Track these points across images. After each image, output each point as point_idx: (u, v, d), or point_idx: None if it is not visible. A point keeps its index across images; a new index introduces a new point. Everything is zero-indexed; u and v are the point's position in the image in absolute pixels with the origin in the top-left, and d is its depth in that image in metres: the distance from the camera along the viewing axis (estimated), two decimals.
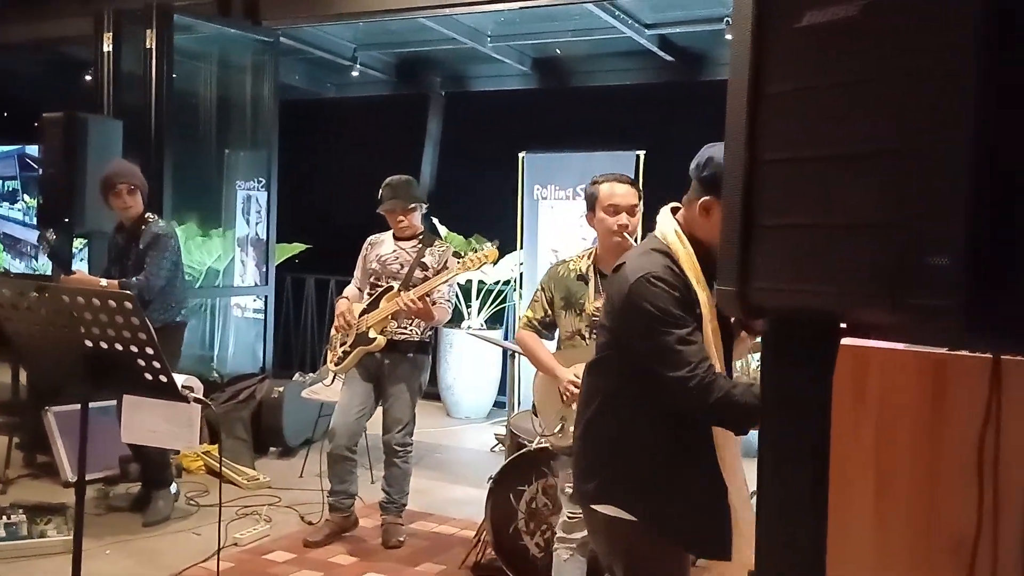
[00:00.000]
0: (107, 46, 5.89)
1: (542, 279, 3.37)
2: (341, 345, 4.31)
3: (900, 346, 1.72)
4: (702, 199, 2.06)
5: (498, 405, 7.62)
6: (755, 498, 1.46)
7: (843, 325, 1.28)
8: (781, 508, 1.42)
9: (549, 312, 3.27)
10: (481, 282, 7.28)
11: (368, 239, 4.50)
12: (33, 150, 7.80)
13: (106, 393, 3.10)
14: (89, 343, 2.36)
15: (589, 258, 3.25)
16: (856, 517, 1.48)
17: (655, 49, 7.03)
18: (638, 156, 6.49)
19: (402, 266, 4.30)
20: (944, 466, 1.66)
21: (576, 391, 3.04)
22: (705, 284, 2.05)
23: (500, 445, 6.44)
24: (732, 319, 2.11)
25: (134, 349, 2.33)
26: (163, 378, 2.36)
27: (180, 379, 2.44)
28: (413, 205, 4.33)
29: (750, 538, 2.16)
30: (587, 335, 3.17)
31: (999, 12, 0.91)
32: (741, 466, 2.15)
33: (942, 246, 0.99)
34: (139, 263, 4.37)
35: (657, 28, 6.79)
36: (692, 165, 2.13)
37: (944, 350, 1.69)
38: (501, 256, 5.48)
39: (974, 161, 0.93)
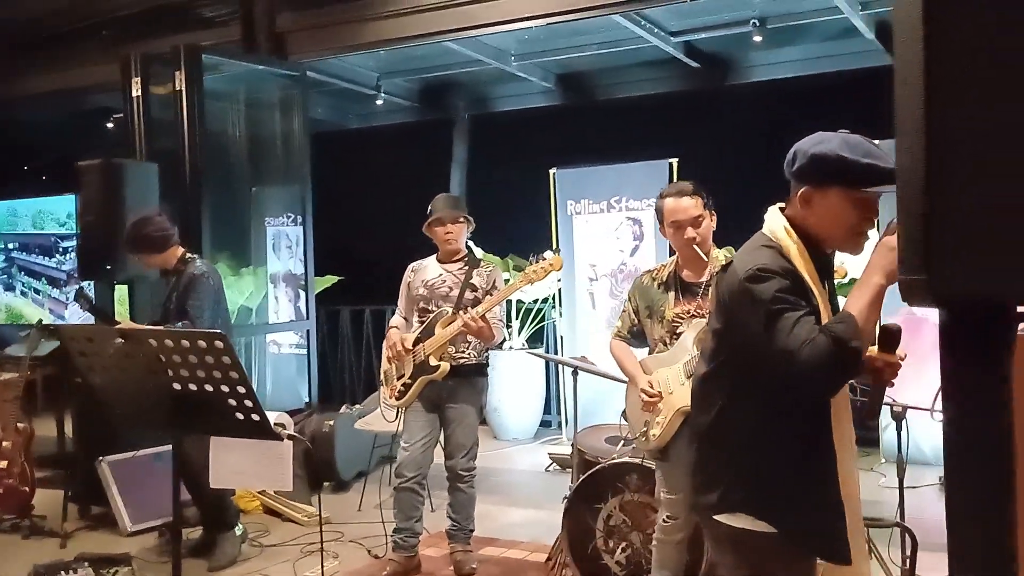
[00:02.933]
0: (136, 91, 5.89)
1: (629, 290, 3.47)
2: (399, 378, 4.21)
3: None
4: (801, 191, 2.03)
5: (544, 425, 7.54)
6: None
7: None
8: (968, 509, 1.35)
9: (636, 321, 3.37)
10: (520, 301, 7.22)
11: (410, 266, 4.42)
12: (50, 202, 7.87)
13: (192, 434, 3.02)
14: (177, 385, 2.30)
15: (670, 266, 3.34)
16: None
17: (681, 56, 7.01)
18: (671, 164, 6.46)
19: (451, 288, 4.22)
20: None
21: (648, 398, 3.16)
22: (818, 279, 2.01)
23: (555, 464, 6.34)
24: None
25: (224, 389, 2.27)
26: (255, 416, 2.30)
27: (272, 416, 2.37)
28: (462, 217, 4.28)
29: (861, 547, 2.10)
30: (668, 341, 3.24)
31: None
32: (857, 474, 2.09)
33: None
34: (180, 307, 4.28)
35: (683, 35, 6.78)
36: (786, 165, 2.10)
37: None
38: None
39: None
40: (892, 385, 2.04)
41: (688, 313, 3.22)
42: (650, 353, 3.37)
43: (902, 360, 2.05)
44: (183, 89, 5.73)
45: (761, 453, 2.01)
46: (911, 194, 1.22)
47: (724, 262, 3.01)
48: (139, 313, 5.56)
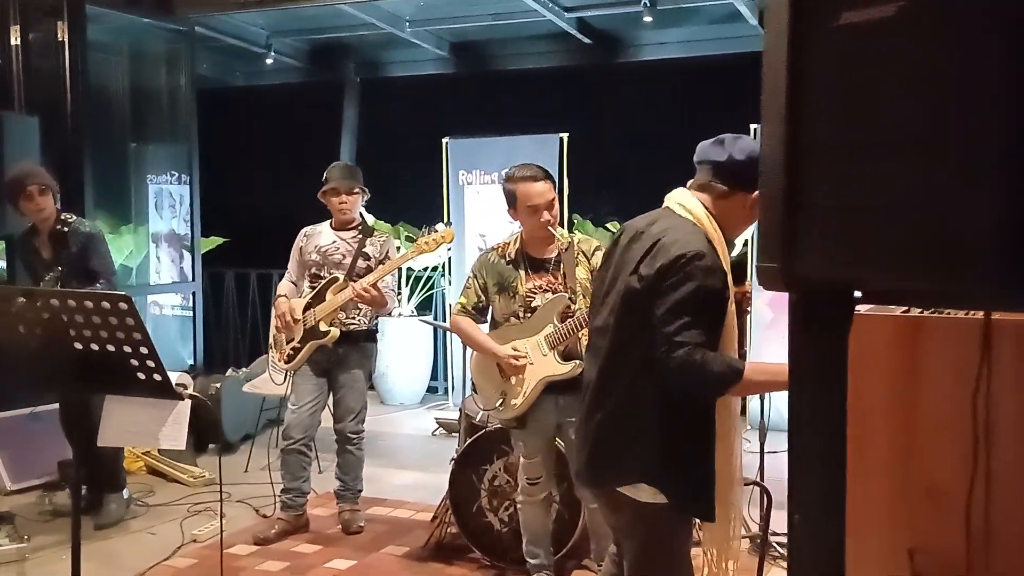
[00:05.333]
0: (15, 39, 5.62)
1: (473, 267, 3.54)
2: (289, 342, 4.27)
3: (871, 309, 1.91)
4: (724, 185, 2.23)
5: (430, 391, 7.69)
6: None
7: (858, 294, 1.43)
8: (807, 463, 1.56)
9: (483, 297, 3.46)
10: (410, 269, 7.31)
11: (303, 231, 4.44)
12: None
13: (94, 394, 3.02)
14: (79, 346, 2.33)
15: (516, 243, 3.45)
16: None
17: (574, 32, 7.16)
18: (561, 139, 6.62)
19: (344, 256, 4.29)
20: (921, 420, 1.86)
21: (517, 363, 3.29)
22: (730, 268, 2.21)
23: (441, 429, 6.51)
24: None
25: (127, 349, 2.32)
26: (157, 376, 2.36)
27: (173, 377, 2.43)
28: (357, 188, 4.34)
29: (739, 513, 2.36)
30: (521, 315, 3.38)
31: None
32: (740, 447, 2.33)
33: (972, 221, 1.14)
34: (78, 267, 4.19)
35: (576, 12, 6.91)
36: (710, 157, 2.26)
37: (919, 312, 1.89)
38: None
39: (1002, 149, 1.09)
40: (749, 312, 2.31)
41: (541, 288, 3.36)
42: (492, 326, 3.49)
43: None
44: (66, 40, 5.53)
45: (664, 429, 2.16)
46: (771, 183, 1.40)
47: (569, 239, 3.27)
48: (17, 273, 5.37)
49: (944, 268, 1.16)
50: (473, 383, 3.58)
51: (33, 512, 4.50)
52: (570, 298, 3.29)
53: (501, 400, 3.38)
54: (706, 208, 2.24)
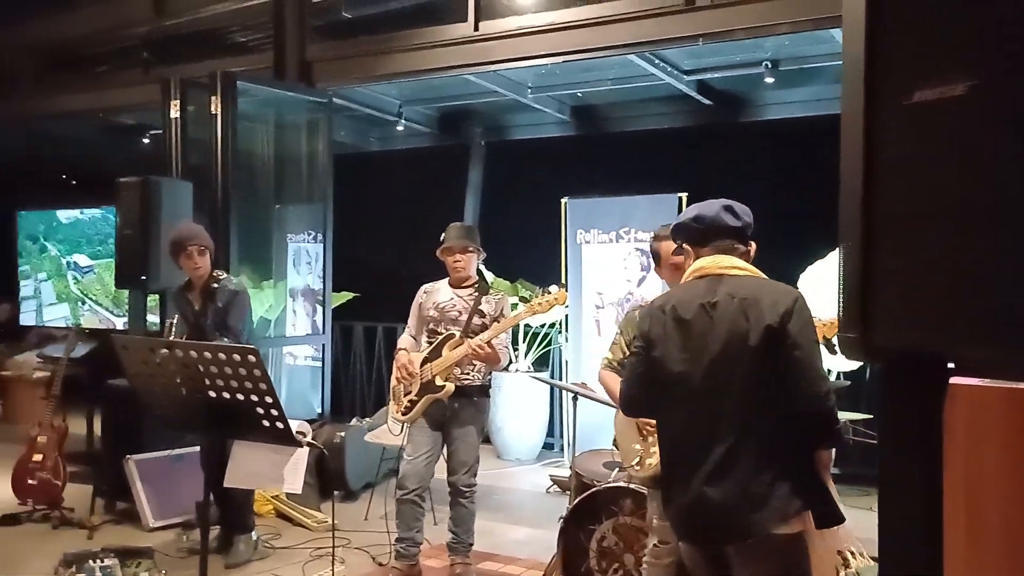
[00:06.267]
0: (174, 112, 6.20)
1: (620, 323, 3.61)
2: (406, 395, 4.42)
3: (985, 382, 1.86)
4: (752, 245, 2.61)
5: (546, 447, 7.73)
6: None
7: (951, 365, 1.42)
8: (900, 532, 1.54)
9: (627, 353, 3.43)
10: (528, 325, 7.45)
11: (422, 288, 4.62)
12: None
13: (224, 438, 3.28)
14: (213, 393, 2.55)
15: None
16: (950, 541, 1.60)
17: (693, 94, 7.23)
18: (680, 198, 6.65)
19: (460, 313, 4.42)
20: None
21: (650, 428, 3.25)
22: None
23: (555, 486, 6.54)
24: None
25: (254, 398, 2.52)
26: (279, 424, 2.54)
27: (294, 425, 2.62)
28: (472, 247, 4.50)
29: None
30: None
31: None
32: None
33: None
34: (219, 321, 4.55)
35: (696, 74, 7.00)
36: (735, 223, 2.58)
37: None
38: None
39: None
40: None
41: None
42: None
43: None
44: (218, 112, 6.03)
45: (795, 459, 2.37)
46: (850, 254, 1.44)
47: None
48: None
49: (1011, 338, 1.17)
50: (615, 439, 3.58)
51: (171, 548, 4.81)
52: None
53: (638, 459, 3.36)
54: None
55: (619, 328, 3.58)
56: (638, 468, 3.37)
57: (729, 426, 2.37)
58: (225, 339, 4.45)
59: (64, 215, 7.86)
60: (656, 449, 3.29)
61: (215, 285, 4.64)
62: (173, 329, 4.39)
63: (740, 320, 2.36)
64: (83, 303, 7.86)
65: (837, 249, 1.47)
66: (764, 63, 6.60)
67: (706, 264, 2.51)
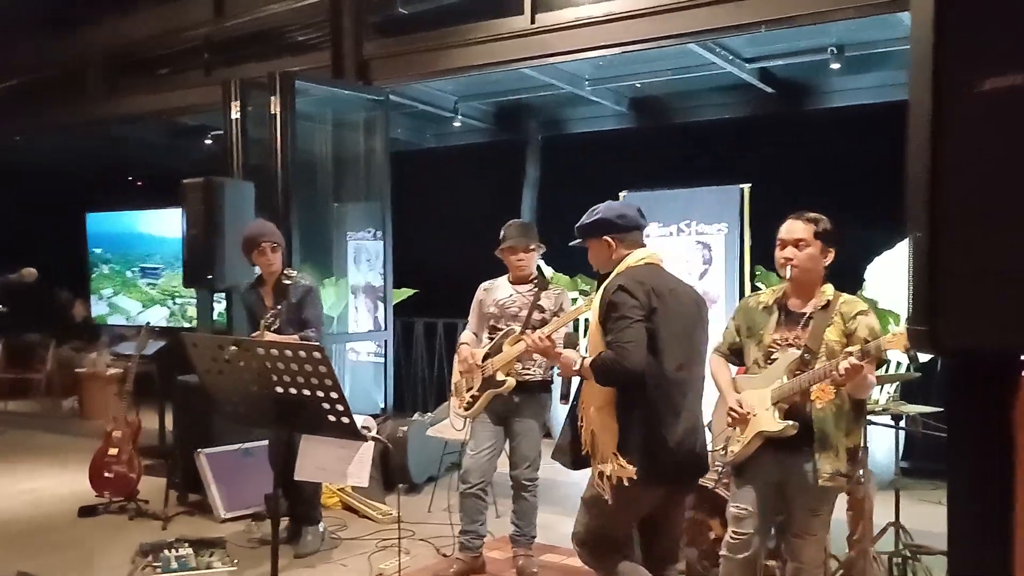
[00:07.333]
0: (235, 113, 6.33)
1: (735, 309, 3.56)
2: (469, 390, 4.46)
3: None
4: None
5: None
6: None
7: None
8: (972, 534, 1.50)
9: (736, 340, 3.42)
10: (587, 319, 7.39)
11: (481, 285, 4.65)
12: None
13: (291, 432, 3.38)
14: (280, 389, 2.60)
15: (780, 291, 3.36)
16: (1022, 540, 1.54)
17: (756, 82, 7.10)
18: (742, 190, 6.52)
19: (520, 309, 4.45)
20: None
21: (736, 416, 3.23)
22: None
23: None
24: None
25: (320, 394, 2.57)
26: (345, 419, 2.59)
27: (359, 420, 2.66)
28: (534, 245, 4.51)
29: None
30: (761, 364, 3.28)
31: None
32: None
33: None
34: (295, 315, 4.64)
35: (758, 62, 6.87)
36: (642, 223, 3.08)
37: None
38: None
39: None
40: None
41: (785, 341, 3.23)
42: (746, 372, 3.41)
43: None
44: (278, 112, 6.14)
45: None
46: (918, 248, 1.40)
47: (830, 297, 3.21)
48: (234, 321, 5.97)
49: None
50: (710, 421, 3.54)
51: (242, 539, 4.94)
52: (804, 356, 3.15)
53: (724, 445, 3.37)
54: None
55: (733, 314, 3.53)
56: (723, 454, 3.39)
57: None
58: (310, 332, 4.55)
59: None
60: (741, 438, 3.28)
61: (287, 282, 4.72)
62: (269, 325, 4.45)
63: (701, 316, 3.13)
64: (173, 300, 8.13)
65: (905, 240, 1.44)
66: (830, 48, 6.43)
67: (653, 254, 3.21)
